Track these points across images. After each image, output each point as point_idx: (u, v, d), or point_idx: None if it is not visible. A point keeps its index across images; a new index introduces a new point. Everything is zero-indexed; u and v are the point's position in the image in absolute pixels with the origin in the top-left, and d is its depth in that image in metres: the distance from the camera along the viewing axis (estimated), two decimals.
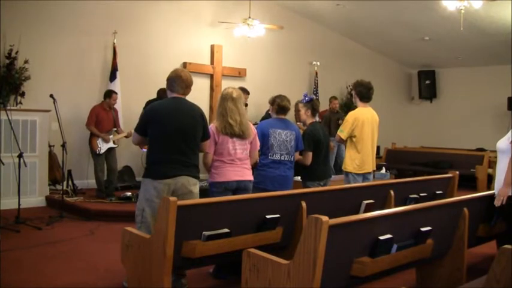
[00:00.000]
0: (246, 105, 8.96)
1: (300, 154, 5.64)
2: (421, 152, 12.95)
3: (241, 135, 4.74)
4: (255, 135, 4.98)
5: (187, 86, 4.46)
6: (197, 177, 4.47)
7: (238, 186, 4.76)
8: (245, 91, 9.41)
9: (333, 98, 11.29)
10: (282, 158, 5.31)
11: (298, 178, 6.17)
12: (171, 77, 4.48)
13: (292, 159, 5.40)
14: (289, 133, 5.36)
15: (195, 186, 4.41)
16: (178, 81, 4.43)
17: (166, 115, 4.37)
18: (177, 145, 4.32)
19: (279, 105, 5.46)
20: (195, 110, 4.49)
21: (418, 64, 15.09)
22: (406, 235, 3.63)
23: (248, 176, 4.86)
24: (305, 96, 5.89)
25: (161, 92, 8.68)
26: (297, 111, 5.93)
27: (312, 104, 5.84)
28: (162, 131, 4.34)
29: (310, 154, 5.66)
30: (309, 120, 5.87)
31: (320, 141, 5.74)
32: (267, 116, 8.43)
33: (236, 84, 9.00)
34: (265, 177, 5.27)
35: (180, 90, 4.45)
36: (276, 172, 5.30)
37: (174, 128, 4.32)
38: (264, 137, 5.25)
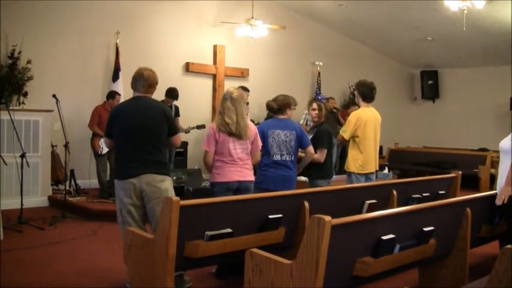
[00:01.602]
0: (247, 103, 8.98)
1: (313, 151, 5.68)
2: (424, 152, 12.93)
3: (238, 135, 4.74)
4: (256, 135, 4.97)
5: (149, 85, 4.46)
6: (164, 174, 4.43)
7: (240, 187, 4.76)
8: (245, 89, 9.43)
9: (331, 98, 11.30)
10: (283, 158, 5.31)
11: (302, 178, 6.17)
12: (134, 76, 4.50)
13: (293, 158, 5.39)
14: (289, 133, 5.35)
15: (162, 182, 4.38)
16: (140, 80, 4.45)
17: (126, 115, 4.41)
18: (137, 144, 4.34)
19: (268, 106, 5.52)
20: (155, 106, 4.49)
21: (421, 64, 15.08)
22: (409, 235, 3.63)
23: (249, 176, 4.86)
24: (318, 95, 6.03)
25: (168, 91, 8.74)
26: (320, 110, 5.95)
27: (325, 105, 6.08)
28: (122, 131, 4.39)
29: (325, 152, 5.72)
30: (323, 119, 5.99)
31: (332, 140, 5.89)
32: (269, 116, 8.44)
33: (238, 84, 9.02)
34: (267, 177, 5.28)
35: (141, 89, 4.46)
36: (278, 172, 5.29)
37: (132, 126, 4.34)
38: (263, 138, 5.25)
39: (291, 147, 5.34)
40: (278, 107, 5.42)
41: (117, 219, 4.45)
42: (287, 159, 5.34)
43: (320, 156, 5.73)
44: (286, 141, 5.30)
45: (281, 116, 5.46)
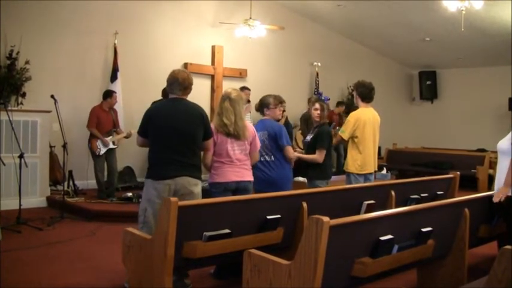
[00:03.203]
0: (248, 101, 8.99)
1: (314, 152, 5.66)
2: (422, 153, 12.95)
3: (236, 136, 4.74)
4: (255, 135, 4.97)
5: (185, 88, 4.47)
6: (198, 178, 4.47)
7: (238, 187, 4.76)
8: (245, 88, 9.45)
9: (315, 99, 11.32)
10: (262, 159, 5.35)
11: (300, 178, 6.17)
12: (168, 79, 4.51)
13: (273, 158, 5.40)
14: (262, 134, 5.38)
15: (196, 186, 4.42)
16: (176, 83, 4.46)
17: (164, 116, 4.42)
18: (174, 146, 4.35)
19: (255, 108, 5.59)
20: (194, 109, 4.50)
21: (419, 65, 15.10)
22: (407, 235, 3.63)
23: (247, 176, 4.87)
24: (320, 95, 6.04)
25: (164, 92, 8.73)
26: (322, 110, 5.94)
27: (327, 106, 6.05)
28: (160, 132, 4.39)
29: (324, 152, 5.71)
30: (323, 120, 5.96)
31: (332, 141, 5.85)
32: None
33: (237, 85, 9.01)
34: (254, 177, 5.28)
35: (178, 92, 4.47)
36: (259, 173, 5.32)
37: (171, 129, 4.35)
38: None
39: (266, 147, 5.36)
40: (257, 107, 5.50)
41: (138, 218, 4.42)
42: (267, 159, 5.38)
43: (319, 156, 5.72)
44: (262, 141, 5.31)
45: (263, 117, 5.55)
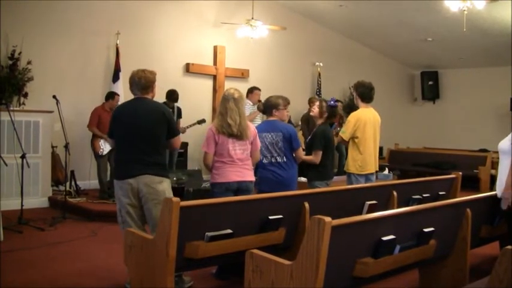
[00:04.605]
0: (259, 101, 9.01)
1: (309, 153, 5.64)
2: (424, 153, 12.93)
3: (239, 136, 4.74)
4: (256, 135, 4.97)
5: (143, 87, 4.48)
6: (162, 175, 4.46)
7: (239, 187, 4.76)
8: (256, 88, 9.43)
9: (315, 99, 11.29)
10: (273, 160, 5.31)
11: (302, 179, 6.16)
12: (129, 80, 4.55)
13: (285, 160, 5.36)
14: (275, 135, 5.33)
15: (160, 184, 4.40)
16: (134, 83, 4.50)
17: (124, 116, 4.48)
18: (135, 145, 4.39)
19: (258, 108, 5.51)
20: (155, 108, 4.51)
21: (421, 65, 15.08)
22: (409, 236, 3.62)
23: (249, 176, 4.86)
24: (333, 100, 5.94)
25: (168, 94, 8.77)
26: (320, 107, 5.90)
27: (333, 110, 5.91)
28: (122, 132, 4.45)
29: (320, 153, 5.66)
30: (320, 121, 5.89)
31: (330, 141, 5.78)
32: None
33: (239, 85, 8.98)
34: (261, 179, 5.30)
35: (137, 92, 4.51)
36: (269, 174, 5.29)
37: (131, 128, 4.39)
38: None
39: (279, 148, 5.32)
40: (264, 108, 5.44)
41: (117, 219, 4.50)
42: (278, 160, 5.33)
43: (314, 158, 5.67)
44: (273, 143, 5.29)
45: (270, 118, 5.48)
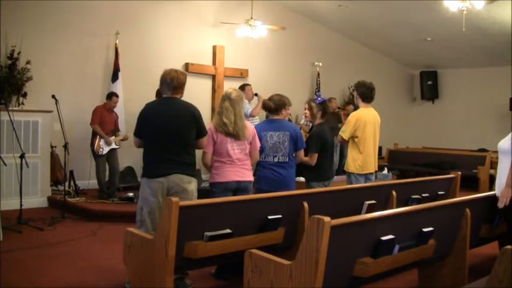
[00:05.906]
0: (256, 94, 9.04)
1: (306, 155, 5.63)
2: (423, 153, 12.95)
3: (236, 136, 4.74)
4: (255, 135, 4.97)
5: (174, 88, 4.51)
6: (191, 175, 4.49)
7: (238, 187, 4.76)
8: (247, 84, 9.47)
9: (333, 98, 11.28)
10: (276, 160, 5.29)
11: (301, 179, 6.15)
12: (160, 79, 4.57)
13: (288, 159, 5.33)
14: (282, 134, 5.31)
15: (189, 183, 4.44)
16: (165, 83, 4.52)
17: (154, 116, 4.48)
18: (166, 144, 4.40)
19: (265, 106, 5.49)
20: (184, 108, 4.53)
21: (420, 65, 15.08)
22: (408, 236, 3.63)
23: (248, 176, 4.86)
24: (318, 96, 5.91)
25: (158, 93, 8.75)
26: (310, 109, 5.88)
27: (323, 106, 5.89)
28: (152, 132, 4.46)
29: (316, 155, 5.64)
30: (318, 121, 5.88)
31: (327, 142, 5.74)
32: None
33: (238, 85, 9.00)
34: (260, 177, 5.29)
35: (167, 91, 4.53)
36: (270, 173, 5.28)
37: (162, 128, 4.41)
38: (259, 139, 5.24)
39: (285, 148, 5.30)
40: (275, 106, 5.40)
41: (136, 217, 4.47)
42: (281, 160, 5.31)
43: (309, 159, 5.64)
44: (279, 142, 5.28)
45: (276, 117, 5.44)
